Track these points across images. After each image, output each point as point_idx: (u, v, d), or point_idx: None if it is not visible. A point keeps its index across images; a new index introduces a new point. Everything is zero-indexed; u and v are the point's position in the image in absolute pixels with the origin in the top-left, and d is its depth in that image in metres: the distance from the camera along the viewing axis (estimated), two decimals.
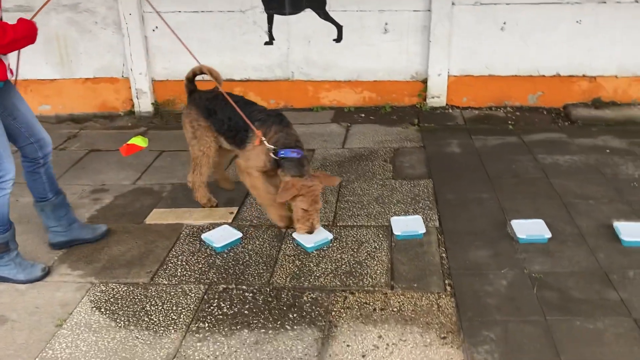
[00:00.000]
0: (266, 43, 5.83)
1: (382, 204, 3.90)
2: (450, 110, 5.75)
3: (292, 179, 3.29)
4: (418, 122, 5.45)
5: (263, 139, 3.35)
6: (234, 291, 3.05)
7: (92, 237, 3.60)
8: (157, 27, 5.84)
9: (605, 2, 5.34)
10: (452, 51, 5.62)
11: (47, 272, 3.27)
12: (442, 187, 4.10)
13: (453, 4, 5.43)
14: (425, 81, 5.76)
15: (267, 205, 3.59)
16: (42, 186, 3.38)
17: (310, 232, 3.36)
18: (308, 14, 5.64)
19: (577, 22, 5.44)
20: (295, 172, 3.33)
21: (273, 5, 5.66)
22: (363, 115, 5.73)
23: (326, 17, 5.64)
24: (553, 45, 5.54)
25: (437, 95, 5.76)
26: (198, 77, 3.87)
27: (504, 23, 5.50)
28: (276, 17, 5.70)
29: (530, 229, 3.41)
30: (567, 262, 3.17)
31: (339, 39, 5.72)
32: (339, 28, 5.67)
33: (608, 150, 4.62)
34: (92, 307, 2.97)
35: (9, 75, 3.05)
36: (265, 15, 5.72)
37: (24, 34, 2.86)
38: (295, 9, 5.63)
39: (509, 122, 5.39)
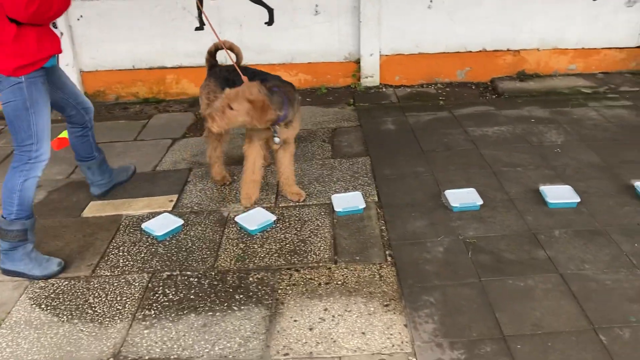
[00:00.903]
0: (197, 29, 5.75)
1: (322, 183, 3.96)
2: (384, 89, 5.87)
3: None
4: (354, 102, 5.55)
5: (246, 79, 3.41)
6: (179, 277, 3.05)
7: (127, 178, 4.10)
8: (81, 15, 5.65)
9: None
10: (382, 31, 5.72)
11: (63, 267, 3.17)
12: (380, 163, 4.20)
13: None
14: (358, 61, 5.85)
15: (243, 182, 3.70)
16: (90, 146, 3.74)
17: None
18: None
19: None
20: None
21: None
22: (300, 97, 5.75)
23: (257, 0, 5.61)
24: (478, 21, 5.73)
25: (371, 75, 5.86)
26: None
27: (431, 1, 5.65)
28: (206, 1, 5.63)
29: (463, 197, 3.57)
30: (499, 226, 3.35)
31: (270, 22, 5.71)
32: (270, 11, 5.67)
33: (533, 120, 4.86)
34: (32, 304, 2.90)
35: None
36: (194, 0, 5.63)
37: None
38: None
39: (440, 98, 5.57)
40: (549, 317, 2.61)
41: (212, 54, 3.86)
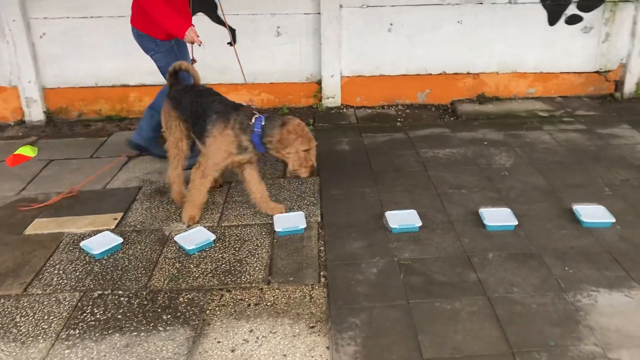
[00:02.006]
0: None
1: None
2: (345, 110, 5.93)
3: (285, 128, 3.32)
4: (314, 122, 5.59)
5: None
6: (109, 297, 3.03)
7: (160, 154, 4.56)
8: (44, 33, 5.67)
9: (482, 3, 5.68)
10: (343, 53, 5.79)
11: None
12: (328, 183, 4.23)
13: (341, 6, 5.61)
14: (319, 82, 5.91)
15: (189, 202, 3.70)
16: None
17: (313, 171, 3.44)
18: (200, 18, 5.65)
19: (458, 22, 5.75)
20: (279, 122, 3.36)
21: None
22: None
23: (219, 21, 5.67)
24: (438, 44, 5.82)
25: (332, 95, 5.92)
26: None
27: (391, 24, 5.74)
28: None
29: (403, 219, 3.59)
30: (435, 248, 3.37)
31: (233, 42, 5.76)
32: (232, 31, 5.72)
33: (486, 143, 4.92)
34: None
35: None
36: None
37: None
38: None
39: (399, 119, 5.63)
40: (470, 341, 2.62)
41: (171, 74, 3.91)
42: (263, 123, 3.37)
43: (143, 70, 5.85)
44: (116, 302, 2.98)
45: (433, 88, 5.96)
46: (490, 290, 2.97)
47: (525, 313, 2.79)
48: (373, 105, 6.02)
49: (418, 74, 5.94)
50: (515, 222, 3.52)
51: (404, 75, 5.93)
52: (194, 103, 3.63)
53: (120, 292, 3.07)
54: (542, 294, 2.93)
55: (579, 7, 5.80)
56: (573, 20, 5.83)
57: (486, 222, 3.53)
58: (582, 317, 2.76)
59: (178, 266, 3.29)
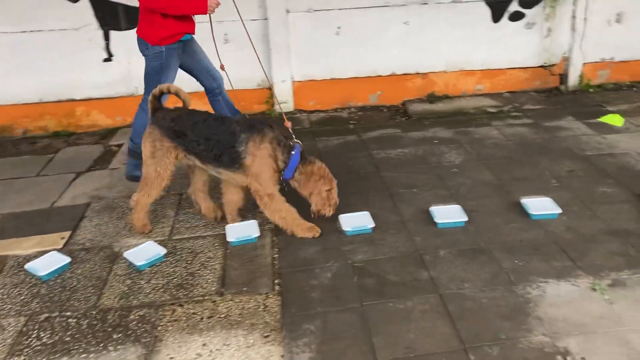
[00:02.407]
0: (105, 60, 5.68)
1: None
2: (299, 115, 5.92)
3: (308, 168, 3.48)
4: None
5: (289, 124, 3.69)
6: (57, 319, 2.94)
7: None
8: None
9: (427, 4, 5.76)
10: (293, 58, 5.79)
11: None
12: (282, 190, 4.19)
13: (288, 11, 5.60)
14: (271, 88, 5.89)
15: (294, 226, 3.53)
16: (222, 109, 4.47)
17: (335, 209, 3.54)
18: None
19: (404, 23, 5.81)
20: (306, 161, 3.48)
21: (108, 21, 5.53)
22: None
23: None
24: (386, 46, 5.88)
25: (285, 101, 5.90)
26: None
27: (339, 28, 5.76)
28: (112, 32, 5.57)
29: (356, 221, 3.60)
30: (388, 248, 3.38)
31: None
32: None
33: (436, 141, 4.98)
34: None
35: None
36: (101, 32, 5.57)
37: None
38: (132, 24, 5.53)
39: (351, 122, 5.65)
40: (422, 339, 2.64)
41: (156, 97, 3.61)
42: (300, 150, 3.49)
43: (88, 84, 5.73)
44: (64, 325, 2.90)
45: (384, 89, 6.01)
46: (442, 287, 3.00)
47: (477, 308, 2.83)
48: (326, 109, 6.04)
49: (369, 76, 5.98)
50: (465, 219, 3.57)
51: (355, 77, 5.96)
52: (214, 134, 3.42)
53: (68, 313, 2.99)
54: (492, 288, 2.98)
55: (521, 4, 5.94)
56: (516, 17, 5.97)
57: (437, 219, 3.57)
58: (531, 308, 2.81)
59: (128, 283, 3.21)
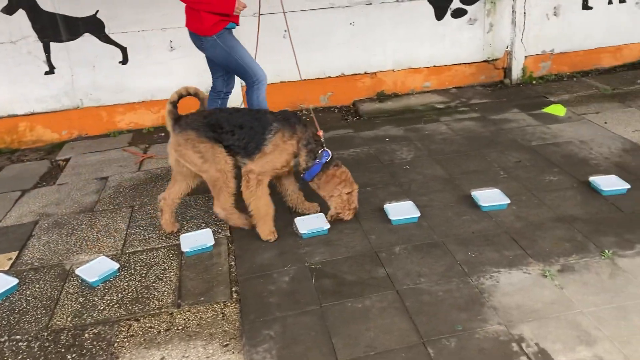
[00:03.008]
0: (47, 72, 5.51)
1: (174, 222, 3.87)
2: None
3: (332, 170, 3.50)
4: None
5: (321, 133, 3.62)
6: (6, 344, 2.83)
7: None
8: None
9: (371, 4, 5.82)
10: None
11: None
12: (236, 195, 4.16)
13: None
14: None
15: (261, 219, 3.51)
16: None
17: (356, 213, 3.61)
18: (88, 39, 5.43)
19: (350, 24, 5.86)
20: (330, 164, 3.51)
21: (47, 33, 5.37)
22: (163, 134, 5.65)
23: (107, 40, 5.47)
24: (334, 47, 5.91)
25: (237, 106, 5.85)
26: None
27: (285, 31, 5.74)
28: (53, 44, 5.41)
29: (311, 223, 3.60)
30: (344, 248, 3.40)
31: (125, 60, 5.58)
32: (123, 50, 5.53)
33: (387, 139, 5.04)
34: None
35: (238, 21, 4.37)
36: (40, 44, 5.40)
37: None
38: (73, 35, 5.39)
39: None
40: (382, 336, 2.66)
41: (175, 104, 3.50)
42: (329, 159, 3.50)
43: (31, 98, 5.55)
44: (14, 349, 2.79)
45: (334, 90, 6.04)
46: (399, 283, 3.04)
47: (433, 301, 2.88)
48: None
49: (318, 78, 6.00)
50: (418, 214, 3.62)
51: (304, 80, 5.96)
52: (248, 122, 3.45)
53: (18, 337, 2.88)
54: (447, 280, 3.03)
55: (462, 1, 6.08)
56: (458, 13, 6.10)
57: (391, 217, 3.61)
58: (486, 298, 2.87)
59: (81, 301, 3.13)
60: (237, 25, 4.38)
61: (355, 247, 3.40)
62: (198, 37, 4.32)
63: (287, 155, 3.47)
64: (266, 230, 3.53)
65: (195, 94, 3.54)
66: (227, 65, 4.36)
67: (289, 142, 3.45)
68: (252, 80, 4.36)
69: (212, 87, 4.65)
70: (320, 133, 3.63)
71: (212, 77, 4.60)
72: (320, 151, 3.50)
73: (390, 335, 2.67)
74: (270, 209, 3.52)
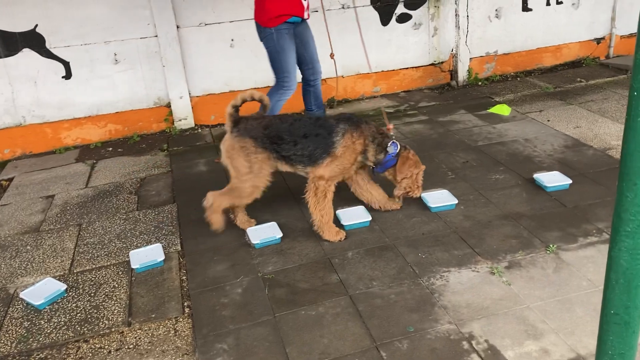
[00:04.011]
0: None
1: (124, 239, 3.79)
2: (200, 130, 5.83)
3: (405, 153, 3.58)
4: (167, 147, 5.43)
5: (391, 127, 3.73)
6: None
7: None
8: None
9: (317, 11, 5.84)
10: (189, 73, 5.69)
11: None
12: (187, 209, 4.12)
13: (178, 27, 5.51)
14: (169, 105, 5.76)
15: (325, 224, 3.51)
16: (309, 100, 4.84)
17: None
18: (27, 54, 5.27)
19: None
20: (400, 149, 3.57)
21: None
22: (111, 149, 5.54)
23: (49, 55, 5.32)
24: None
25: (184, 117, 5.79)
26: None
27: (232, 40, 5.74)
28: None
29: (264, 233, 3.59)
30: (297, 256, 3.40)
31: (68, 75, 5.44)
32: (66, 64, 5.40)
33: None
34: None
35: (305, 15, 4.50)
36: None
37: None
38: (11, 51, 5.22)
39: None
40: (336, 343, 2.67)
41: (237, 107, 3.51)
42: (398, 150, 3.55)
43: None
44: None
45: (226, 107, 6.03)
46: (352, 288, 3.06)
47: (385, 305, 2.90)
48: None
49: (267, 86, 5.96)
50: (370, 218, 3.65)
51: (254, 88, 5.94)
52: (311, 130, 3.42)
53: None
54: (399, 283, 3.07)
55: (406, 6, 6.18)
56: (403, 18, 6.20)
57: (343, 222, 3.63)
58: (436, 298, 2.92)
59: (27, 325, 3.02)
60: (303, 19, 4.48)
61: (308, 255, 3.40)
62: (258, 27, 4.48)
63: (355, 154, 3.50)
64: (333, 233, 3.54)
65: (260, 100, 3.55)
66: (271, 61, 4.50)
67: (357, 141, 3.47)
68: (283, 85, 4.51)
69: (302, 79, 4.76)
70: (390, 127, 3.72)
71: (299, 67, 4.68)
72: (389, 143, 3.53)
73: (343, 341, 2.68)
74: (331, 214, 3.54)
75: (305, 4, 4.45)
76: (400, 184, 3.65)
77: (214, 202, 3.53)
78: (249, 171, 3.44)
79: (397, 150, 3.56)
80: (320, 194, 3.46)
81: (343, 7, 5.94)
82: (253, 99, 3.53)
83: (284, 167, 3.55)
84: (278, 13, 4.31)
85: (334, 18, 5.90)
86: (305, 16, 4.52)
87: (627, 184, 1.59)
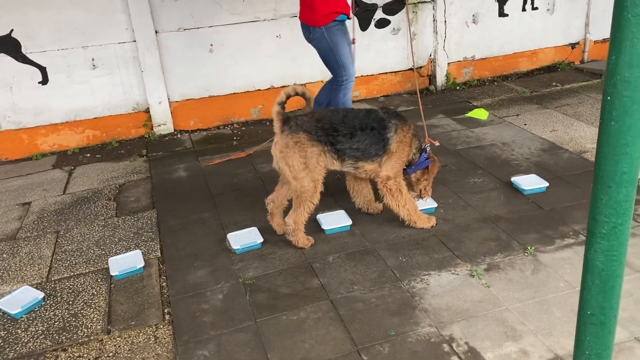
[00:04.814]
0: None
1: (102, 246, 3.75)
2: (179, 135, 5.80)
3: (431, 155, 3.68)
4: (147, 152, 5.39)
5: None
6: None
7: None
8: None
9: (296, 16, 5.86)
10: (168, 78, 5.66)
11: None
12: (166, 215, 4.09)
13: (157, 32, 5.48)
14: (148, 111, 5.71)
15: (415, 215, 3.58)
16: (322, 95, 4.80)
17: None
18: (3, 59, 5.19)
19: (277, 36, 5.88)
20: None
21: None
22: (89, 155, 5.48)
23: (25, 60, 5.25)
24: (261, 60, 5.91)
25: (163, 122, 5.75)
26: None
27: (211, 45, 5.72)
28: None
29: (244, 238, 3.58)
30: (278, 261, 3.40)
31: (45, 81, 5.37)
32: (42, 70, 5.33)
33: None
34: None
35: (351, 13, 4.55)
36: None
37: None
38: None
39: (235, 138, 5.62)
40: (317, 347, 2.67)
41: (283, 104, 3.37)
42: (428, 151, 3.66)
43: None
44: None
45: (265, 103, 6.04)
46: (333, 292, 3.06)
47: (366, 309, 2.91)
48: (208, 127, 5.96)
49: (247, 91, 5.98)
50: (350, 222, 3.67)
51: (234, 93, 5.94)
52: (366, 123, 3.41)
53: None
54: (380, 287, 3.08)
55: (385, 11, 6.23)
56: (382, 24, 6.25)
57: (324, 226, 3.64)
58: (417, 302, 2.94)
59: (3, 334, 2.97)
60: (349, 17, 4.50)
61: (289, 260, 3.40)
62: (307, 28, 4.48)
63: (408, 148, 3.54)
64: (425, 220, 3.61)
65: (302, 94, 3.42)
66: (325, 59, 4.51)
67: (408, 135, 3.52)
68: (343, 79, 4.49)
69: (332, 78, 4.71)
70: (436, 143, 3.78)
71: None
72: (424, 145, 3.63)
73: (325, 345, 2.68)
74: (414, 203, 3.62)
75: (349, 1, 4.50)
76: (418, 186, 3.72)
77: (296, 223, 3.45)
78: (305, 167, 3.34)
79: (429, 153, 3.66)
80: (396, 192, 3.52)
81: None
82: (296, 94, 3.39)
83: (333, 164, 3.46)
84: (328, 11, 4.33)
85: None
86: (351, 14, 4.58)
87: (601, 187, 1.62)
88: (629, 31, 1.42)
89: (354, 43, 4.77)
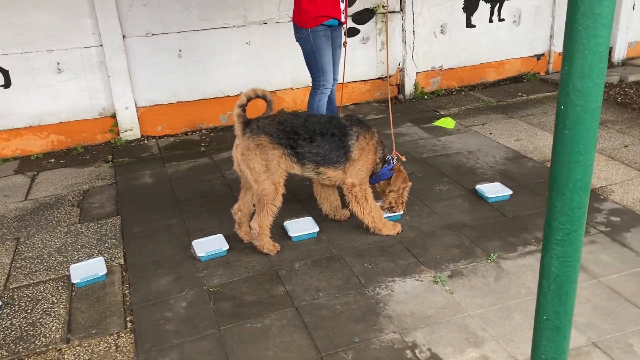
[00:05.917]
0: None
1: (64, 253, 3.67)
2: (146, 141, 5.73)
3: (397, 166, 3.72)
4: (112, 158, 5.31)
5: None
6: None
7: None
8: None
9: (266, 23, 5.88)
10: (135, 83, 5.60)
11: None
12: (130, 221, 4.03)
13: (124, 36, 5.42)
14: (114, 116, 5.64)
15: (379, 222, 3.60)
16: (322, 106, 4.74)
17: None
18: None
19: (247, 43, 5.88)
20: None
21: None
22: (53, 160, 5.37)
23: None
24: (231, 66, 5.90)
25: (130, 128, 5.68)
26: None
27: (180, 51, 5.68)
28: None
29: (210, 245, 3.55)
30: (244, 269, 3.37)
31: (7, 84, 5.26)
32: (5, 73, 5.22)
33: None
34: None
35: (342, 18, 4.57)
36: None
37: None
38: None
39: (203, 144, 5.58)
40: (281, 355, 2.66)
41: (244, 107, 3.37)
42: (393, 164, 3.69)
43: None
44: None
45: (233, 109, 6.00)
46: (298, 299, 3.05)
47: (331, 315, 2.91)
48: (176, 133, 5.91)
49: (216, 97, 5.95)
50: (317, 229, 3.67)
51: (202, 99, 5.91)
52: (327, 129, 3.40)
53: None
54: (345, 293, 3.08)
55: (355, 21, 6.28)
56: (351, 32, 6.30)
57: (290, 233, 3.63)
58: (381, 308, 2.95)
59: None
60: (341, 21, 4.54)
61: (255, 267, 3.38)
62: (296, 28, 4.56)
63: (373, 155, 3.54)
64: (389, 227, 3.64)
65: (264, 96, 3.40)
66: (307, 60, 4.60)
67: (371, 142, 3.52)
68: (320, 84, 4.60)
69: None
70: (402, 157, 3.93)
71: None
72: (388, 156, 3.66)
73: (289, 353, 2.67)
74: (379, 211, 3.64)
75: (342, 6, 4.51)
76: (387, 198, 3.73)
77: (260, 227, 3.42)
78: (266, 169, 3.33)
79: (393, 164, 3.66)
80: (362, 200, 3.53)
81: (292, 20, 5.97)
82: (257, 96, 3.39)
83: (294, 168, 3.46)
84: (316, 14, 4.38)
85: (283, 31, 5.92)
86: (342, 19, 4.58)
87: (556, 194, 1.66)
88: (580, 43, 1.46)
89: (344, 46, 4.79)
